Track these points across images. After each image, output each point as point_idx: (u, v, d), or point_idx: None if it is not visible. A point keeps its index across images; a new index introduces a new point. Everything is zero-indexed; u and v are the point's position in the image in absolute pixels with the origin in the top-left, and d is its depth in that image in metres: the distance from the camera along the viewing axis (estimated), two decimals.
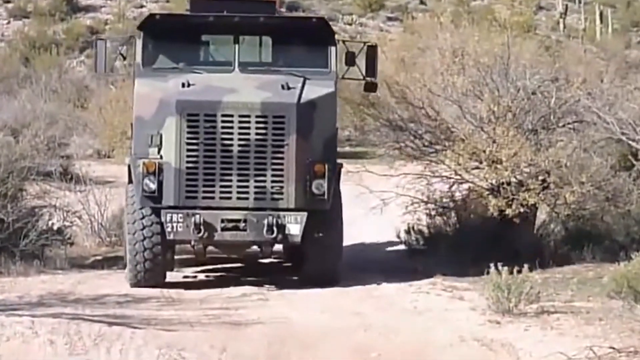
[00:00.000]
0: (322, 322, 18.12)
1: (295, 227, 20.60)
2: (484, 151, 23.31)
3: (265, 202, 20.84)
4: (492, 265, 17.71)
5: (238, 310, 19.12)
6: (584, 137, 24.59)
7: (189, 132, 20.70)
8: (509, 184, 23.15)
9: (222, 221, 20.55)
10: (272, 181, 20.80)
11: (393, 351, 15.76)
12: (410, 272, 23.53)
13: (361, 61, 22.84)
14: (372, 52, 22.73)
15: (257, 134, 20.79)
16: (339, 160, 22.24)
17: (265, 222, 20.42)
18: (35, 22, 70.34)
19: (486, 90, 24.09)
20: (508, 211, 22.75)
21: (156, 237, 20.61)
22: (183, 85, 21.05)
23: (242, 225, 20.63)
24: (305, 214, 20.63)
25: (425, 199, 26.00)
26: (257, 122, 20.79)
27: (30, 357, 15.28)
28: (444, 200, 26.26)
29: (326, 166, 20.97)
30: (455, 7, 67.97)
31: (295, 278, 22.92)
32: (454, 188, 25.79)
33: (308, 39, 22.40)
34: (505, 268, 17.38)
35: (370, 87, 22.92)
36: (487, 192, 23.74)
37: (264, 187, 20.83)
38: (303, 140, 20.88)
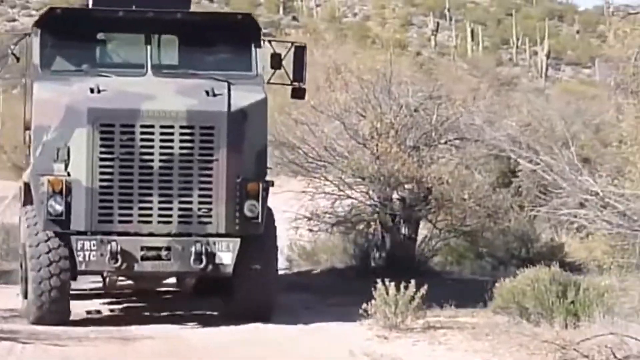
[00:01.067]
0: (216, 336, 17.52)
1: (227, 255, 17.55)
2: (367, 168, 23.44)
3: (192, 226, 17.76)
4: (378, 280, 17.61)
5: (129, 325, 18.05)
6: (465, 154, 25.18)
7: (102, 146, 17.41)
8: (391, 200, 23.49)
9: (142, 249, 17.43)
10: (200, 202, 17.67)
11: None
12: (297, 287, 23.06)
13: (287, 64, 19.85)
14: (300, 53, 19.31)
15: (182, 147, 17.60)
16: None
17: (193, 250, 17.39)
18: None
19: (369, 107, 24.20)
20: (391, 226, 23.09)
21: (63, 262, 17.42)
22: (92, 90, 17.69)
23: (165, 253, 17.48)
24: (237, 240, 17.65)
25: (309, 215, 25.47)
26: (182, 134, 17.57)
27: None
28: (327, 216, 25.54)
29: (260, 185, 18.09)
30: (328, 24, 69.05)
31: (215, 313, 19.84)
32: (336, 204, 25.25)
33: (231, 38, 19.16)
34: (392, 283, 17.34)
35: (298, 94, 19.55)
36: (370, 208, 24.01)
37: (190, 209, 17.71)
38: (234, 154, 17.78)
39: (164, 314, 20.01)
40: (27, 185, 18.61)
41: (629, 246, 18.71)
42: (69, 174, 17.54)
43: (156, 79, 18.25)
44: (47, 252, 17.37)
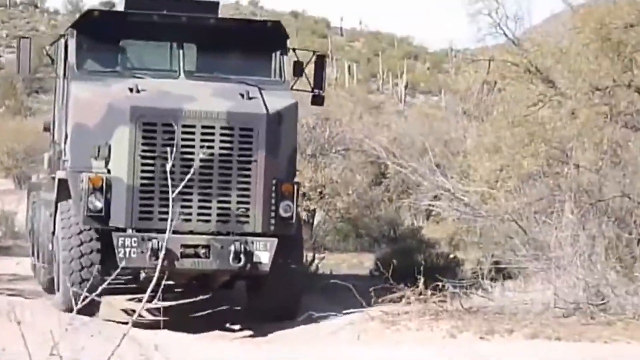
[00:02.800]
0: None
1: (264, 254, 14.78)
2: None
3: (230, 225, 14.97)
4: None
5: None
6: (350, 161, 26.79)
7: (144, 144, 14.65)
8: None
9: (182, 247, 14.62)
10: (238, 202, 14.92)
11: None
12: None
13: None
14: (321, 62, 16.77)
15: (221, 147, 14.85)
16: None
17: (232, 248, 14.64)
18: None
19: None
20: None
21: (95, 255, 14.86)
22: (131, 90, 15.00)
23: (204, 251, 14.76)
24: (275, 240, 14.89)
25: None
26: (222, 135, 14.84)
27: None
28: None
29: (294, 186, 15.57)
30: None
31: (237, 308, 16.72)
32: None
33: (260, 45, 16.30)
34: None
35: (318, 100, 16.98)
36: None
37: (229, 208, 14.96)
38: (271, 156, 15.06)
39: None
40: (61, 182, 15.75)
41: (471, 228, 19.79)
42: (109, 171, 14.89)
43: (190, 82, 15.71)
44: (79, 245, 14.82)
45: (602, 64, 17.09)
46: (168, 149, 13.97)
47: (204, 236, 14.79)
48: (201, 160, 14.45)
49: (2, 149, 37.17)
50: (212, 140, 14.76)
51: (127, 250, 14.34)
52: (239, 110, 15.02)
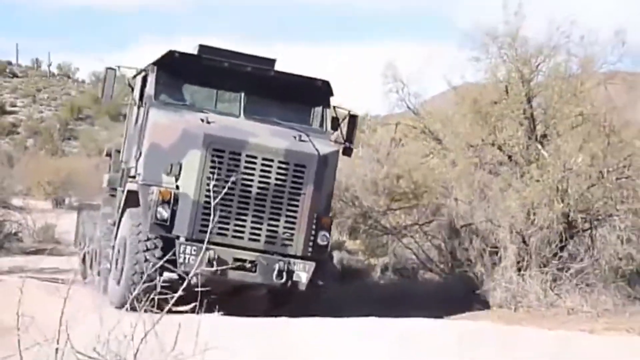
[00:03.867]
0: None
1: (303, 275, 13.42)
2: None
3: (276, 246, 13.49)
4: None
5: None
6: None
7: (212, 167, 13.17)
8: None
9: (234, 260, 13.19)
10: (285, 227, 13.46)
11: None
12: None
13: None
14: (353, 120, 15.46)
15: (277, 179, 13.43)
16: None
17: (277, 266, 13.29)
18: None
19: None
20: None
21: (157, 260, 12.94)
22: (202, 120, 13.66)
23: (251, 266, 13.35)
24: (313, 263, 13.53)
25: None
26: (279, 168, 13.41)
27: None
28: None
29: (331, 220, 14.46)
30: None
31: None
32: None
33: (310, 98, 14.87)
34: None
35: (348, 152, 15.49)
36: None
37: (277, 231, 13.47)
38: (316, 191, 13.67)
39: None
40: (130, 193, 14.26)
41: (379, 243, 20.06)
42: (177, 187, 13.44)
43: (248, 122, 14.20)
44: (145, 250, 13.35)
45: (474, 128, 17.16)
46: (232, 174, 13.14)
47: (254, 253, 13.35)
48: (258, 187, 13.33)
49: (44, 179, 37.25)
50: (270, 172, 13.39)
51: (187, 257, 12.94)
52: (295, 149, 13.61)
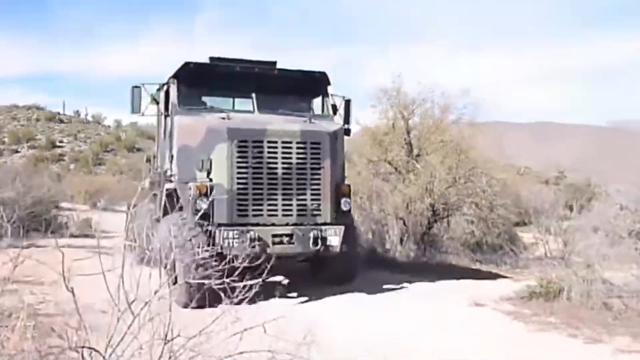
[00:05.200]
0: None
1: (335, 238, 10.76)
2: None
3: (307, 218, 10.77)
4: None
5: None
6: None
7: (238, 157, 10.52)
8: None
9: (273, 236, 10.48)
10: (312, 199, 10.81)
11: None
12: None
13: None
14: (348, 104, 12.52)
15: (298, 158, 10.76)
16: None
17: (311, 235, 10.65)
18: None
19: None
20: None
21: (204, 250, 8.96)
22: (223, 118, 10.99)
23: (288, 239, 10.56)
24: (342, 227, 10.88)
25: None
26: (298, 148, 10.78)
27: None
28: None
29: (349, 187, 11.48)
30: None
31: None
32: None
33: (311, 89, 12.30)
34: None
35: (347, 132, 12.25)
36: None
37: (305, 204, 10.77)
38: (333, 164, 10.97)
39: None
40: (169, 191, 11.46)
41: None
42: (210, 180, 10.61)
43: (263, 115, 11.46)
44: (189, 240, 10.01)
45: (373, 150, 17.27)
46: (257, 160, 10.50)
47: (289, 227, 10.55)
48: (283, 168, 10.59)
49: (82, 190, 36.99)
50: (290, 152, 10.66)
51: (230, 241, 10.16)
52: (309, 129, 10.90)
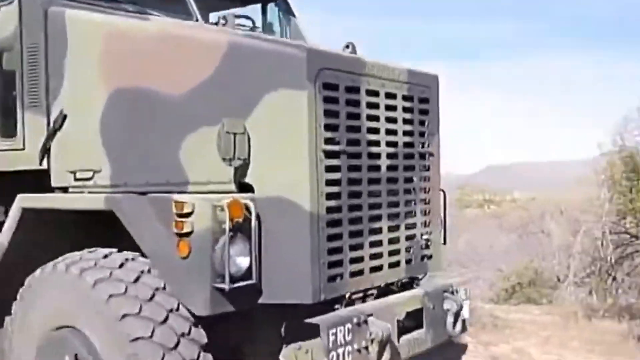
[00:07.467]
0: None
1: (467, 310, 4.44)
2: None
3: (414, 267, 4.30)
4: None
5: None
6: None
7: (327, 126, 3.59)
8: None
9: (399, 321, 3.93)
10: (421, 225, 4.35)
11: None
12: None
13: None
14: None
15: (404, 132, 4.13)
16: None
17: (449, 308, 4.40)
18: None
19: None
20: None
21: None
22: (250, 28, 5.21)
23: (416, 322, 4.11)
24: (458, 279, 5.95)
25: None
26: (404, 109, 4.13)
27: None
28: None
29: (444, 193, 4.97)
30: None
31: None
32: None
33: None
34: None
35: None
36: None
37: (414, 236, 4.28)
38: (438, 148, 4.44)
39: None
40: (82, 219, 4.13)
41: None
42: (245, 187, 3.63)
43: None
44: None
45: None
46: (353, 135, 3.87)
47: (411, 296, 4.31)
48: (387, 155, 4.05)
49: None
50: (395, 120, 4.11)
51: (343, 353, 3.69)
52: (413, 70, 4.32)
